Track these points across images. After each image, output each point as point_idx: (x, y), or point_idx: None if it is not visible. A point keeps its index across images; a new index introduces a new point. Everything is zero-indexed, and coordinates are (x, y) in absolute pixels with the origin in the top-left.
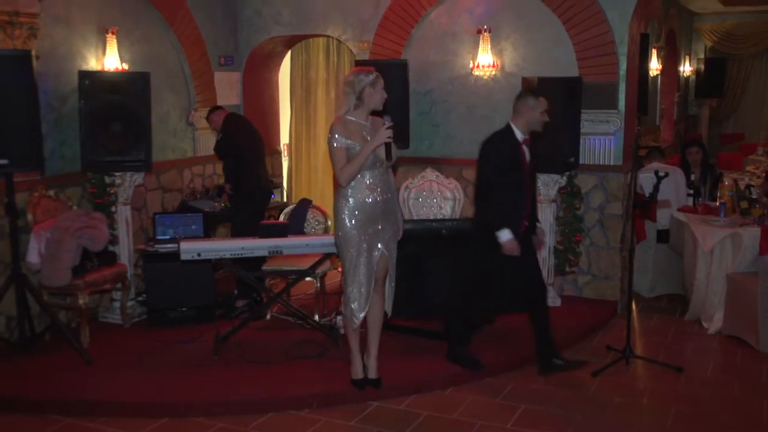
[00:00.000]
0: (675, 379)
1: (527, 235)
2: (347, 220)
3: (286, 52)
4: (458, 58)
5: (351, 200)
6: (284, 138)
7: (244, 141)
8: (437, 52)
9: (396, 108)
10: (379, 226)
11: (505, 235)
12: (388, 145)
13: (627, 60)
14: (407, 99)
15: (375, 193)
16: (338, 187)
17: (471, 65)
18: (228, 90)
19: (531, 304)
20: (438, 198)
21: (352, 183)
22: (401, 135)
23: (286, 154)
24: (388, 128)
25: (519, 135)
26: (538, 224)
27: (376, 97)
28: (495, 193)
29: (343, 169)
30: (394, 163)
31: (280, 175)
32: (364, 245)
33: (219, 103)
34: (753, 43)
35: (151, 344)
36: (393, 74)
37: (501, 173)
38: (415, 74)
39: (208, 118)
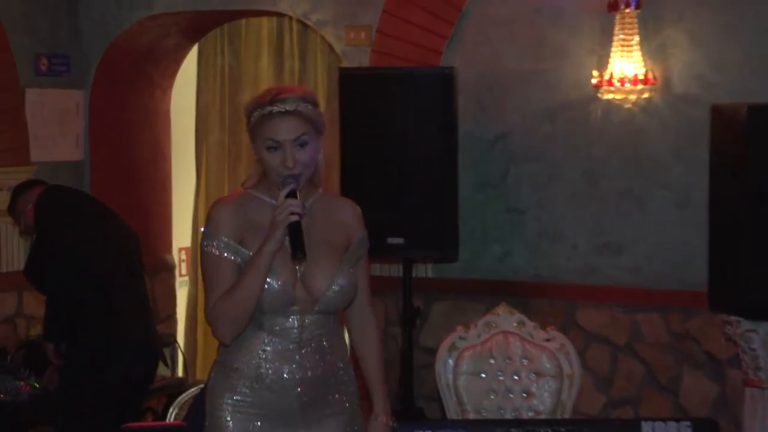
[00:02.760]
0: None
1: None
2: (227, 425)
3: (186, 50)
4: (566, 64)
5: (237, 380)
6: (182, 237)
7: (86, 247)
8: (520, 50)
9: (429, 171)
10: None
11: None
12: (293, 231)
13: None
14: (453, 152)
15: (293, 365)
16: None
17: (595, 79)
18: (56, 129)
19: None
20: (524, 372)
21: (241, 337)
22: (439, 230)
23: (184, 271)
24: (287, 195)
25: None
26: None
27: (262, 155)
28: None
29: (218, 304)
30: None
31: (172, 319)
32: None
33: (36, 159)
34: None
35: None
36: (421, 99)
37: None
38: (473, 99)
39: (12, 209)
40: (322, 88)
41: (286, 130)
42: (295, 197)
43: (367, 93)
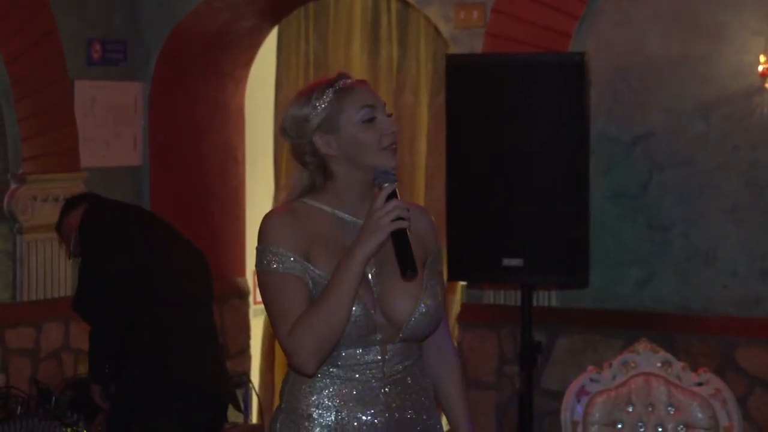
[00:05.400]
0: None
1: None
2: None
3: (263, 35)
4: (725, 49)
5: (311, 430)
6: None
7: (137, 272)
8: (667, 32)
9: (554, 179)
10: None
11: None
12: (401, 241)
13: None
14: (583, 156)
15: (377, 407)
16: (286, 383)
17: (762, 66)
18: (110, 129)
19: None
20: (670, 423)
21: (318, 378)
22: (565, 249)
23: (260, 297)
24: (389, 197)
25: None
26: None
27: (354, 134)
28: None
29: (299, 327)
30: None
31: (245, 354)
32: None
33: (86, 164)
34: None
35: None
36: (545, 92)
37: None
38: (608, 91)
39: (59, 228)
40: (426, 79)
41: (375, 97)
42: (396, 198)
43: (479, 84)
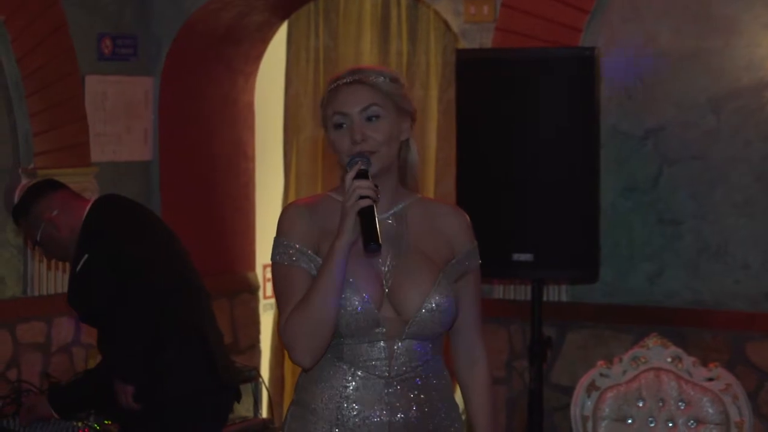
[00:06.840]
0: None
1: None
2: None
3: (274, 30)
4: (736, 43)
5: (314, 423)
6: (267, 251)
7: (167, 270)
8: (678, 26)
9: (564, 173)
10: None
11: None
12: (364, 217)
13: None
14: (594, 151)
15: (380, 405)
16: (301, 376)
17: None
18: (121, 124)
19: None
20: (680, 418)
21: (318, 370)
22: (575, 244)
23: (270, 292)
24: (356, 175)
25: None
26: None
27: (330, 138)
28: None
29: (290, 318)
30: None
31: (255, 349)
32: None
33: (97, 159)
34: None
35: None
36: (556, 87)
37: None
38: (619, 86)
39: (25, 214)
40: (436, 74)
41: (352, 101)
42: (366, 178)
43: (489, 79)
